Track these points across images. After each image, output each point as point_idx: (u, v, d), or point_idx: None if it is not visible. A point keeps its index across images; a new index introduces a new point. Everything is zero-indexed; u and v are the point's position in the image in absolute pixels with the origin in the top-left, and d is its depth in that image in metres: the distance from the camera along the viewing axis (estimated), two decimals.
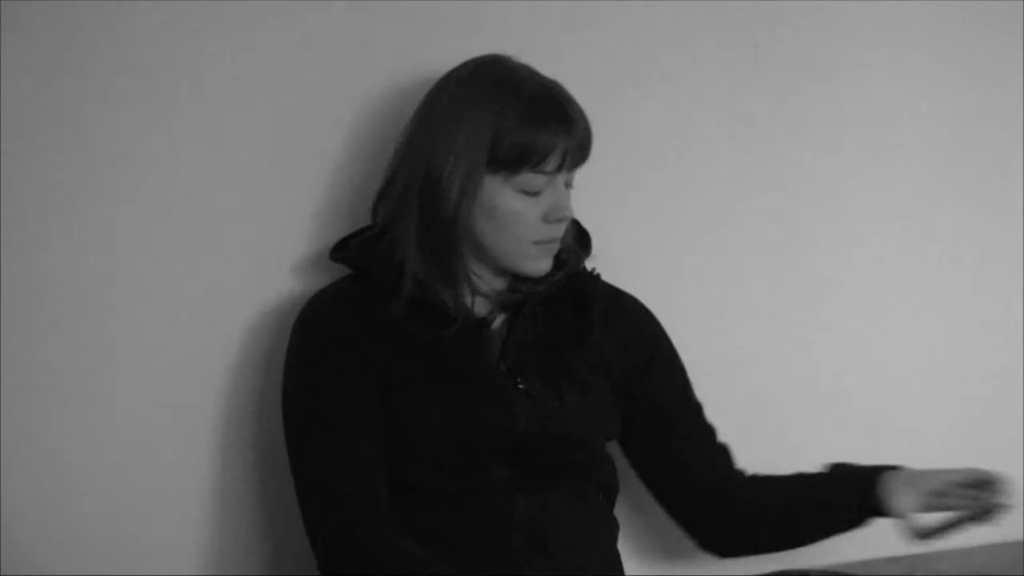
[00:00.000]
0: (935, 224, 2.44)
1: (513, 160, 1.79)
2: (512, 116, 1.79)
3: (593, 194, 2.12)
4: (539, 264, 1.86)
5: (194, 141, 1.96)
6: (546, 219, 1.83)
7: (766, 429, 2.34)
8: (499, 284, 1.89)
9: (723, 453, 2.03)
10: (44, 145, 1.89)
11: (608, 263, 1.98)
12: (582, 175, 1.92)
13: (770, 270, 2.33)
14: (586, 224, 1.97)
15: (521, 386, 1.85)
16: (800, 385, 2.37)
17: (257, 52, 1.98)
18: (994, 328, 2.50)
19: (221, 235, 1.98)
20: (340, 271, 1.92)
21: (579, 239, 1.95)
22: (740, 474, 2.03)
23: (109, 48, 1.91)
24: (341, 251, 1.90)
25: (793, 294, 2.35)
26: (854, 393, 2.40)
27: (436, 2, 2.07)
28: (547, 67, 2.09)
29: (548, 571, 1.82)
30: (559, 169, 1.81)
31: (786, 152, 2.32)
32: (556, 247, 1.87)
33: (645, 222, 2.24)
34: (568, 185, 1.85)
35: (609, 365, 1.92)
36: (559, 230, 1.85)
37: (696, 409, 2.02)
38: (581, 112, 1.83)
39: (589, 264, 1.95)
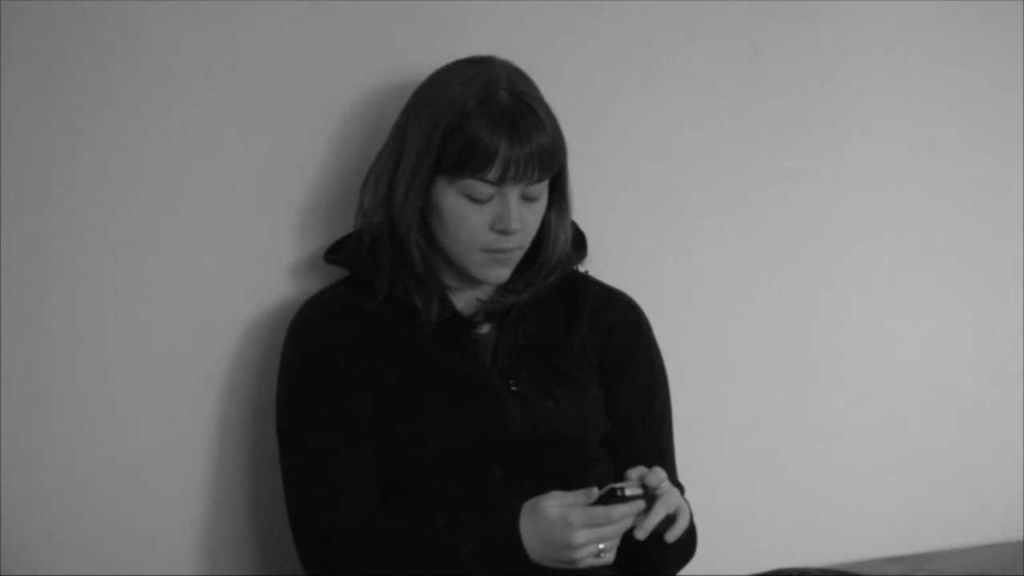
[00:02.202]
0: (935, 223, 2.44)
1: (455, 163, 1.79)
2: (464, 119, 1.78)
3: (590, 194, 2.12)
4: (488, 272, 1.84)
5: (191, 144, 1.95)
6: (492, 228, 1.81)
7: (765, 429, 2.34)
8: (482, 291, 1.89)
9: None
10: (44, 147, 1.89)
11: (605, 263, 1.98)
12: (578, 175, 1.92)
13: (769, 270, 2.33)
14: (582, 224, 1.96)
15: (514, 388, 1.85)
16: (799, 385, 2.36)
17: (256, 53, 1.98)
18: (994, 329, 2.49)
19: (217, 237, 1.97)
20: (336, 273, 1.92)
21: (575, 241, 1.94)
22: None
23: (108, 51, 1.91)
24: (335, 253, 1.91)
25: (793, 294, 2.35)
26: (854, 393, 2.40)
27: (437, 1, 2.07)
28: (546, 66, 2.09)
29: (548, 570, 1.82)
30: (502, 180, 1.79)
31: (785, 152, 2.32)
32: (510, 257, 1.84)
33: (643, 222, 2.24)
34: (528, 199, 1.82)
35: (591, 360, 1.92)
36: (508, 241, 1.82)
37: (651, 431, 1.94)
38: (543, 127, 1.80)
39: (586, 265, 1.95)
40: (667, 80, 2.24)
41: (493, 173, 1.78)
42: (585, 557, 1.68)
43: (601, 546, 1.68)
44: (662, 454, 1.93)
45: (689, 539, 1.86)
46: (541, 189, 1.83)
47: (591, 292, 1.94)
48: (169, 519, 1.98)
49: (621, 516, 1.67)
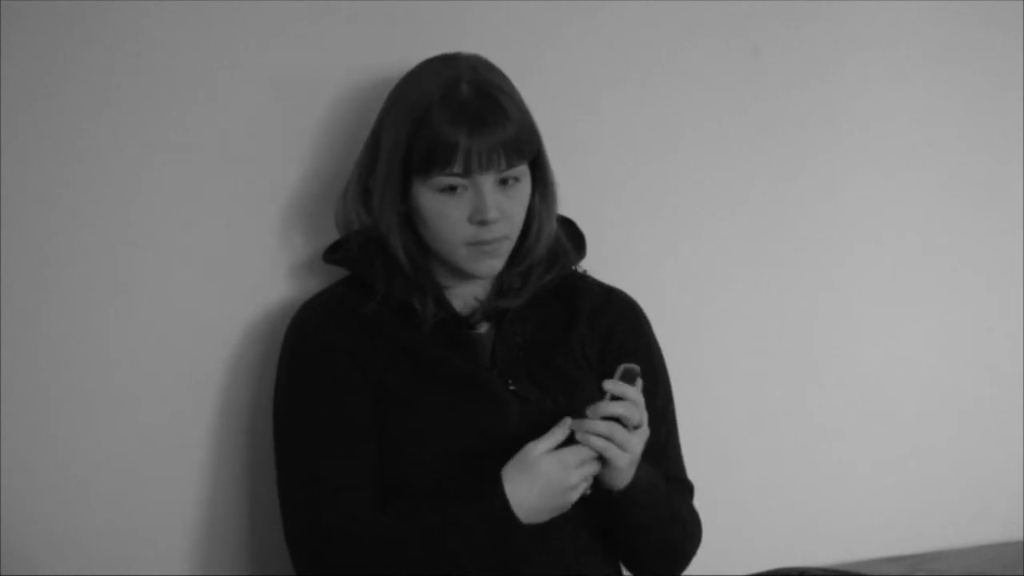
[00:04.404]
0: (935, 223, 2.44)
1: (422, 162, 1.79)
2: (425, 116, 1.79)
3: (591, 194, 2.13)
4: (478, 265, 1.83)
5: (192, 144, 1.96)
6: (470, 220, 1.81)
7: (766, 429, 2.34)
8: (481, 290, 1.89)
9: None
10: (44, 147, 1.89)
11: (605, 263, 1.98)
12: (579, 175, 1.91)
13: (769, 270, 2.33)
14: (582, 224, 1.96)
15: (512, 388, 1.85)
16: (799, 385, 2.36)
17: (257, 54, 1.98)
18: (994, 329, 2.49)
19: (217, 237, 1.98)
20: (335, 273, 1.92)
21: (573, 240, 1.94)
22: None
23: (108, 51, 1.91)
24: (334, 253, 1.91)
25: (793, 294, 2.35)
26: (854, 393, 2.40)
27: (437, 1, 2.07)
28: (546, 66, 2.10)
29: (547, 570, 1.82)
30: (467, 172, 1.78)
31: (785, 152, 2.32)
32: (496, 248, 1.83)
33: (643, 222, 2.23)
34: (506, 184, 1.81)
35: (591, 360, 1.92)
36: (490, 232, 1.81)
37: (652, 428, 1.86)
38: (505, 115, 1.79)
39: (586, 266, 1.95)
40: (667, 80, 2.24)
41: (458, 166, 1.78)
42: (576, 495, 1.76)
43: (586, 484, 1.76)
44: (663, 449, 1.92)
45: (662, 534, 1.87)
46: (519, 174, 1.83)
47: (590, 292, 1.94)
48: (168, 519, 1.98)
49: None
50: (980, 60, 2.43)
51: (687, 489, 1.95)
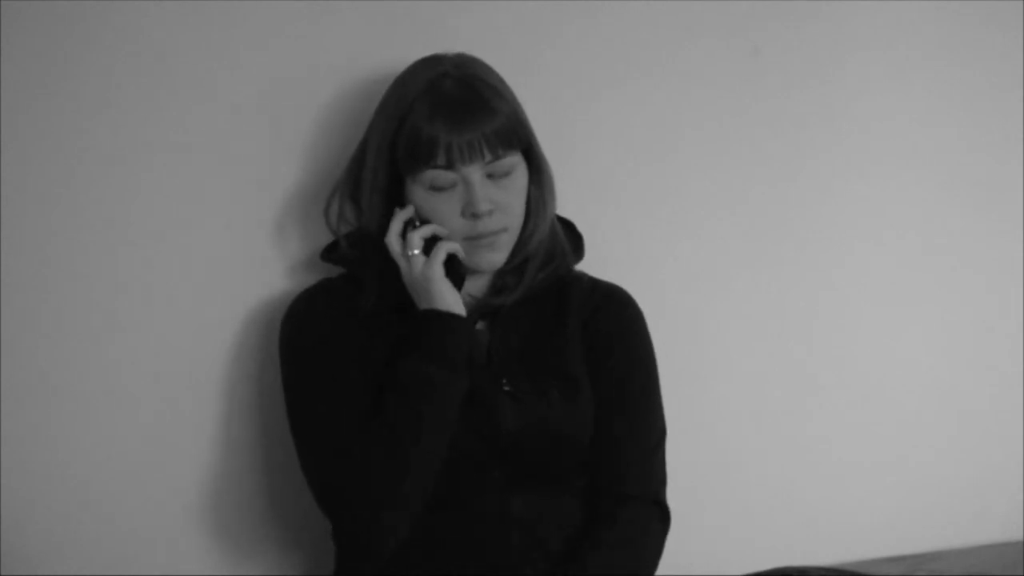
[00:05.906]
0: (935, 223, 2.44)
1: (407, 158, 1.79)
2: (406, 114, 1.79)
3: (591, 194, 2.13)
4: (477, 260, 1.83)
5: (191, 144, 1.96)
6: (463, 215, 1.81)
7: (766, 429, 2.34)
8: (476, 288, 1.89)
9: (619, 478, 1.88)
10: (44, 147, 1.89)
11: (605, 263, 1.98)
12: (578, 175, 1.91)
13: (769, 270, 2.33)
14: (582, 224, 1.96)
15: (507, 388, 1.84)
16: (799, 385, 2.36)
17: (257, 53, 1.98)
18: (994, 329, 2.49)
19: (217, 237, 1.98)
20: (333, 272, 1.92)
21: (572, 242, 1.94)
22: (609, 514, 1.86)
23: (108, 51, 1.91)
24: (332, 252, 1.91)
25: (793, 294, 2.35)
26: (854, 393, 2.40)
27: (436, 2, 2.07)
28: (546, 66, 2.09)
29: (548, 570, 1.82)
30: (451, 164, 1.78)
31: (785, 152, 2.32)
32: (495, 241, 1.82)
33: (643, 222, 2.23)
34: (496, 176, 1.81)
35: (580, 353, 1.90)
36: (485, 225, 1.80)
37: (626, 425, 1.89)
38: (487, 106, 1.78)
39: (586, 266, 1.95)
40: (667, 80, 2.24)
41: (440, 158, 1.78)
42: None
43: None
44: (626, 446, 1.89)
45: None
46: (510, 166, 1.82)
47: (580, 287, 1.93)
48: (169, 519, 1.99)
49: None
50: (980, 60, 2.43)
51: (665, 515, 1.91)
